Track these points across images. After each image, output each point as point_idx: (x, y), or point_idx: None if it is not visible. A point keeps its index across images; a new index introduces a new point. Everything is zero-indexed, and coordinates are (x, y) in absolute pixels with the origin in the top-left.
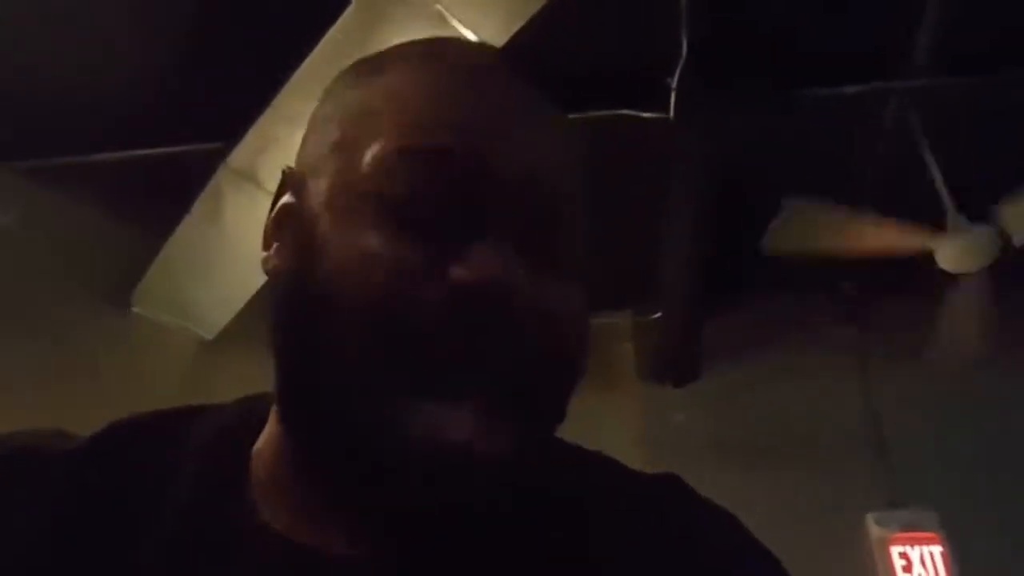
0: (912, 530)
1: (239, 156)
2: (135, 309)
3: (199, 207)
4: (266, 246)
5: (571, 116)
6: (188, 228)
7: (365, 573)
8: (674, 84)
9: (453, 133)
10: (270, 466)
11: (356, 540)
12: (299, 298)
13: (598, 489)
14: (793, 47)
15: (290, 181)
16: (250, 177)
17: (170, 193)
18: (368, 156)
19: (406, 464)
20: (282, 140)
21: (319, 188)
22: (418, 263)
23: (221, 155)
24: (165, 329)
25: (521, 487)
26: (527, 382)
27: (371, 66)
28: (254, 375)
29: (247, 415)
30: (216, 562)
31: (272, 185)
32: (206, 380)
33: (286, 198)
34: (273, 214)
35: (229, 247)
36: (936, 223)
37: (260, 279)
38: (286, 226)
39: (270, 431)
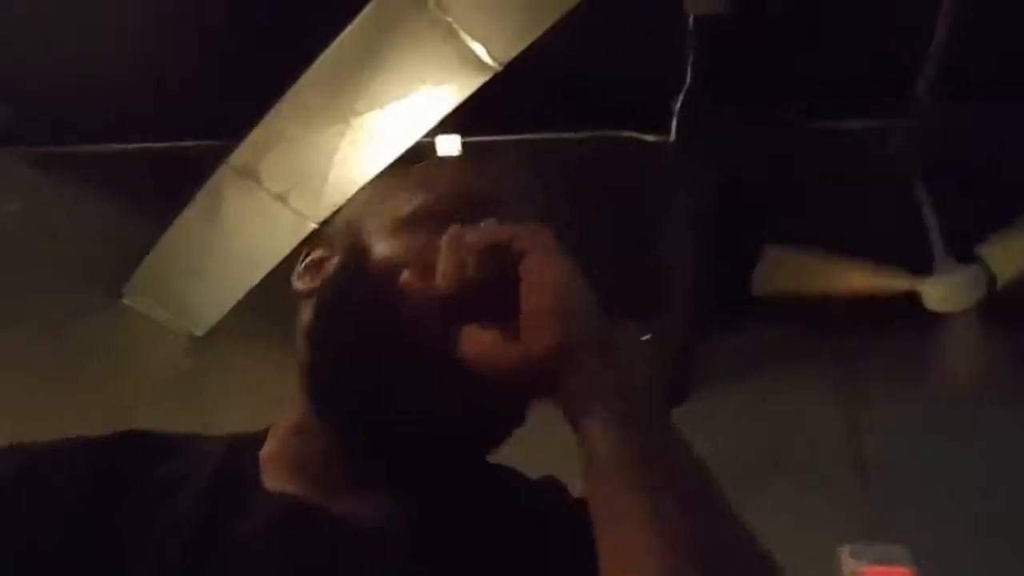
0: (885, 564)
1: (242, 154)
2: (126, 301)
3: (198, 203)
4: (299, 279)
5: (572, 135)
6: (185, 223)
7: (379, 535)
8: (677, 108)
9: (465, 184)
10: (286, 456)
11: (378, 507)
12: (356, 275)
13: (545, 507)
14: (797, 79)
15: (325, 240)
16: (251, 175)
17: (172, 187)
18: (409, 199)
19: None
20: (287, 139)
21: (365, 226)
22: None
23: (223, 153)
24: (155, 323)
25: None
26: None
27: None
28: (242, 373)
29: (245, 440)
30: (233, 526)
31: (273, 184)
32: (194, 375)
33: (318, 253)
34: (303, 264)
35: (225, 245)
36: (924, 262)
37: (254, 278)
38: (318, 267)
39: (287, 433)
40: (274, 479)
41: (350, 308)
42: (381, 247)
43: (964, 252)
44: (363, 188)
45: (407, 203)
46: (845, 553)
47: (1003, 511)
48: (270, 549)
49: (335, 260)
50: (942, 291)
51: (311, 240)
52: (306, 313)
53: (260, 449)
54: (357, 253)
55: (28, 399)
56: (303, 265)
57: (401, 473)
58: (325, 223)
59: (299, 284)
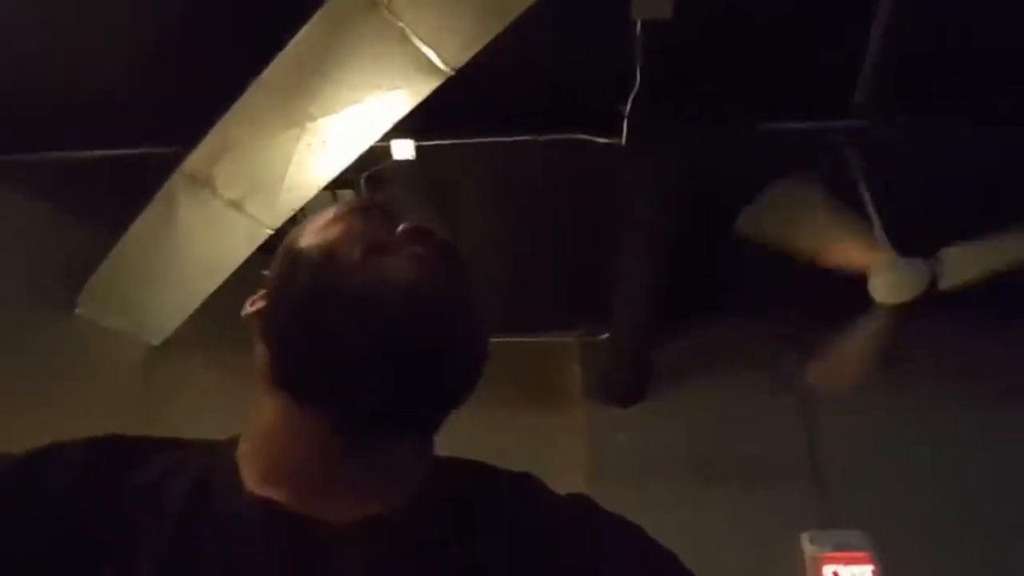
0: (844, 550)
1: (195, 161)
2: (79, 311)
3: (151, 211)
4: (246, 310)
5: (525, 138)
6: (139, 231)
7: (348, 539)
8: (627, 111)
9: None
10: (265, 455)
11: (341, 512)
12: (300, 267)
13: (516, 499)
14: (742, 82)
15: (264, 283)
16: (205, 183)
17: (125, 195)
18: (330, 211)
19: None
20: (241, 145)
21: (293, 243)
22: (376, 224)
23: (177, 159)
24: (111, 332)
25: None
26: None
27: None
28: (201, 381)
29: (235, 439)
30: (215, 533)
31: (228, 191)
32: (151, 385)
33: (261, 292)
34: (249, 302)
35: (180, 253)
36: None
37: (210, 286)
38: (262, 296)
39: (264, 427)
40: (254, 481)
41: (296, 287)
42: (309, 242)
43: (909, 248)
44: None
45: (326, 214)
46: (805, 540)
47: (956, 499)
48: (254, 559)
49: (274, 276)
50: (887, 283)
51: (258, 286)
52: (259, 330)
53: (235, 452)
54: (290, 258)
55: None
56: (249, 302)
57: (373, 465)
58: (282, 229)
59: (249, 309)
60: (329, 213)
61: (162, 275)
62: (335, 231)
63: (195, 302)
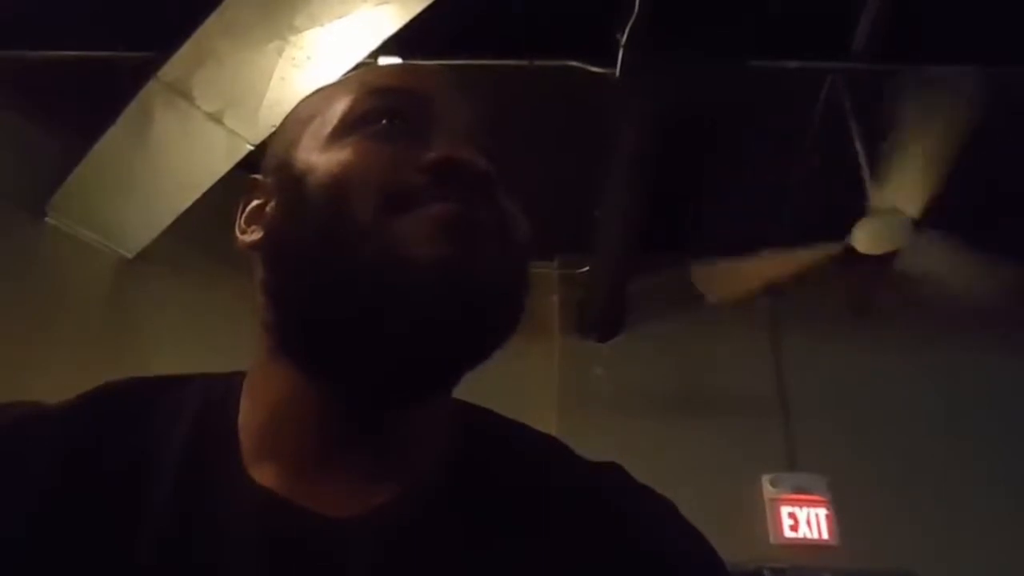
0: (802, 493)
1: (172, 69)
2: (49, 220)
3: (126, 118)
4: (241, 233)
5: (517, 62)
6: (113, 140)
7: (352, 533)
8: (623, 41)
9: (404, 79)
10: (267, 430)
11: (346, 501)
12: (303, 216)
13: (547, 471)
14: (743, 17)
15: (260, 187)
16: (183, 92)
17: (95, 100)
18: (340, 104)
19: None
20: (220, 55)
21: (295, 153)
22: (396, 155)
23: (155, 65)
24: (82, 243)
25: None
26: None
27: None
28: (174, 297)
29: (234, 386)
30: (211, 522)
31: (206, 104)
32: (124, 299)
33: (256, 202)
34: (244, 214)
35: (155, 164)
36: (857, 204)
37: (187, 200)
38: (258, 216)
39: (267, 396)
40: (253, 458)
41: (299, 243)
42: (316, 169)
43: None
44: (284, 120)
45: (332, 114)
46: (766, 482)
47: (918, 445)
48: (248, 550)
49: (272, 203)
50: (871, 233)
51: (246, 191)
52: (258, 268)
53: (234, 408)
54: (293, 185)
55: None
56: (243, 218)
57: (386, 442)
58: (262, 145)
59: (244, 239)
60: (333, 112)
61: (136, 186)
62: (346, 160)
63: (170, 216)
